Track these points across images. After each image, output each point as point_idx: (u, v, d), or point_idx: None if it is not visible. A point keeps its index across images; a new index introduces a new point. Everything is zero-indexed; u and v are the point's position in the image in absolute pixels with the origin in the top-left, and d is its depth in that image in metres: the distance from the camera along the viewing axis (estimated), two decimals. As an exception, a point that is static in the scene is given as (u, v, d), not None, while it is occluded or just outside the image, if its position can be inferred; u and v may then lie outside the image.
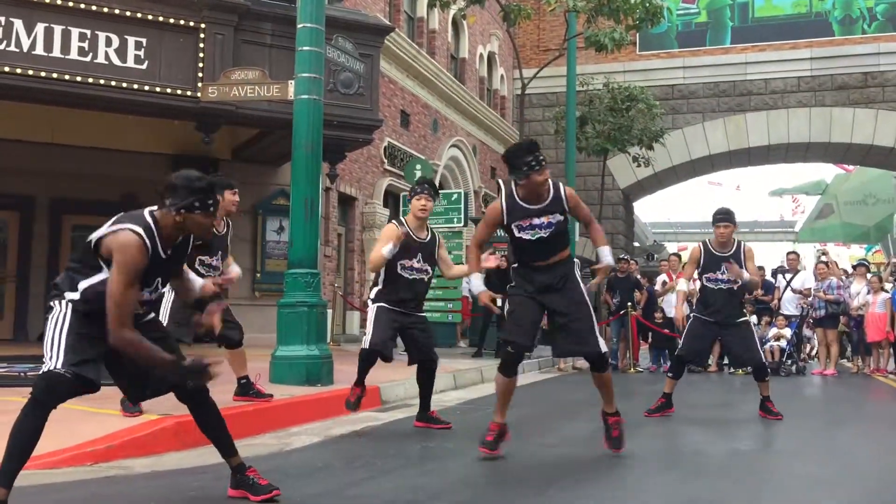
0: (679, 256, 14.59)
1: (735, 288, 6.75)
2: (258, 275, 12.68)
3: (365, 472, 4.36)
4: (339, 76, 10.05)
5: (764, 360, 6.95)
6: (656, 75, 25.44)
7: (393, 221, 5.76)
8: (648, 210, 43.14)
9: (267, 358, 7.43)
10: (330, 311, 10.39)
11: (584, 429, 6.15)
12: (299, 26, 7.56)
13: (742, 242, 6.95)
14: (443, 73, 20.47)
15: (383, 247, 5.49)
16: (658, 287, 13.34)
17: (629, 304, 12.59)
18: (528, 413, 6.69)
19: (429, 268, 5.78)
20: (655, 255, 33.79)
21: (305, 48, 7.52)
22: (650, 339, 13.59)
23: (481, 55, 24.41)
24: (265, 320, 11.48)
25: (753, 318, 11.23)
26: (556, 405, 8.05)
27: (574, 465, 4.74)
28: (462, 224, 11.86)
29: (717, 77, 25.37)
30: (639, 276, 13.82)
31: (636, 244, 33.00)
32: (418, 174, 12.80)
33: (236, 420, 5.24)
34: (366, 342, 5.59)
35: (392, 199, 17.62)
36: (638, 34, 21.07)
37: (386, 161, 17.69)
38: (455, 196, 12.08)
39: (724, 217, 6.77)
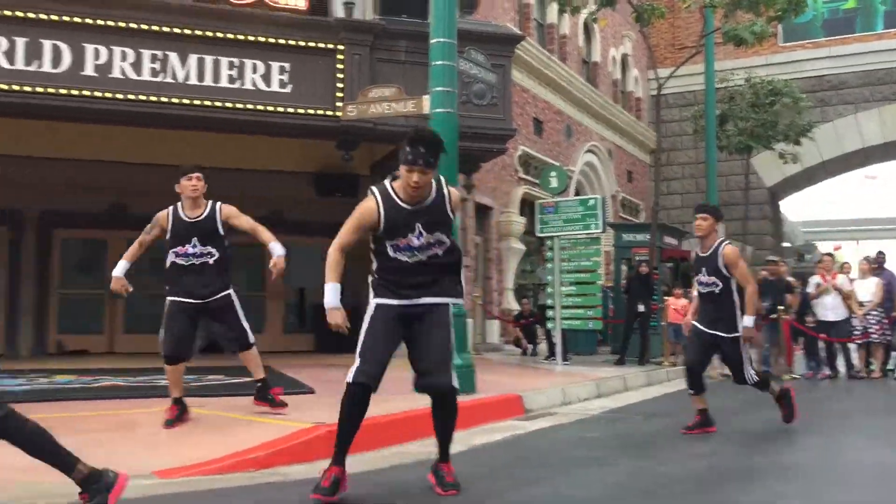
0: (832, 256, 13.77)
1: (717, 291, 6.02)
2: (400, 286, 12.95)
3: (509, 482, 4.37)
4: (472, 88, 10.17)
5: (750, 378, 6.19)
6: (801, 67, 24.22)
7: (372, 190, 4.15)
8: (797, 208, 40.74)
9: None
10: (470, 321, 10.47)
11: (735, 438, 5.92)
12: (432, 42, 7.71)
13: (722, 243, 6.07)
14: (575, 78, 20.29)
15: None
16: (811, 289, 12.66)
17: (780, 307, 12.01)
18: (676, 422, 6.50)
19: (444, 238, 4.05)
20: (807, 256, 32.09)
21: (439, 62, 7.65)
22: (804, 344, 12.90)
23: (614, 57, 24.03)
24: (407, 331, 11.73)
25: None
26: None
27: (725, 474, 4.57)
28: (600, 230, 11.70)
29: (869, 65, 23.87)
30: (790, 279, 13.16)
31: (786, 244, 31.46)
32: (553, 182, 12.70)
33: (383, 428, 5.39)
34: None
35: (528, 208, 17.60)
36: (780, 25, 20.15)
37: (520, 169, 17.69)
38: (592, 202, 11.91)
39: (701, 208, 6.25)
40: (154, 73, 9.28)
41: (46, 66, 8.85)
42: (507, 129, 11.05)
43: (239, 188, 13.01)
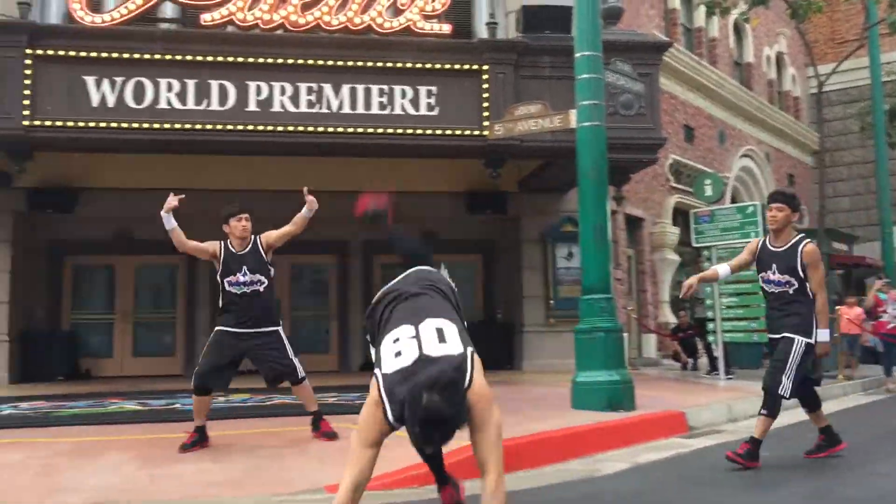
0: None
1: (791, 291, 5.23)
2: (551, 302, 12.89)
3: (681, 501, 4.24)
4: (619, 98, 10.02)
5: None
6: (979, 52, 22.28)
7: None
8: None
9: (566, 384, 7.51)
10: (625, 335, 10.27)
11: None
12: (577, 55, 7.68)
13: (803, 240, 5.34)
14: (726, 81, 19.57)
15: None
16: None
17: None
18: (855, 439, 6.10)
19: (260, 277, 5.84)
20: None
21: (584, 76, 7.61)
22: None
23: (768, 57, 22.99)
24: (561, 346, 11.65)
25: None
26: (887, 429, 7.25)
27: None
28: (760, 238, 11.20)
29: None
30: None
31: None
32: (708, 190, 12.29)
33: (543, 445, 5.37)
34: None
35: (682, 218, 17.09)
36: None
37: (672, 178, 17.22)
38: (750, 209, 11.43)
39: (775, 197, 5.47)
40: (310, 104, 9.75)
41: (214, 105, 9.48)
42: (657, 138, 10.80)
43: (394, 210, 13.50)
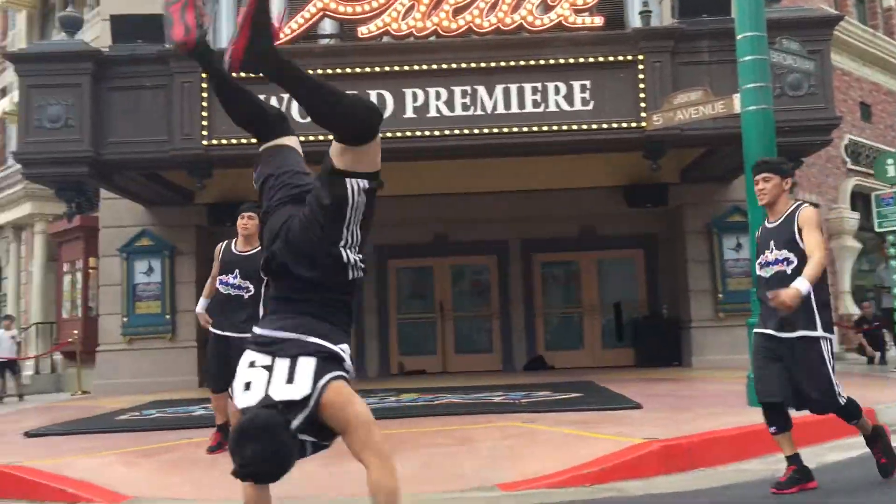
0: None
1: (789, 271, 4.26)
2: (720, 295, 12.39)
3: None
4: (786, 79, 9.50)
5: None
6: None
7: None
8: None
9: (738, 380, 7.21)
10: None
11: None
12: (739, 37, 7.33)
13: (801, 206, 4.45)
14: (906, 51, 18.12)
15: None
16: None
17: None
18: None
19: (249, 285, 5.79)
20: None
21: (748, 58, 7.25)
22: None
23: (955, 21, 21.06)
24: (732, 341, 11.18)
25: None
26: None
27: None
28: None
29: None
30: None
31: None
32: (891, 170, 11.41)
33: (718, 444, 5.18)
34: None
35: (861, 202, 15.95)
36: None
37: (849, 160, 16.14)
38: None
39: (760, 167, 4.60)
40: (465, 107, 9.88)
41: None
42: (830, 118, 10.14)
43: (547, 209, 13.45)
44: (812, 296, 4.16)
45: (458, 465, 4.88)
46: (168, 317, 12.28)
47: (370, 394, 8.81)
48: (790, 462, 4.30)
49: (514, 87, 9.89)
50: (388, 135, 9.74)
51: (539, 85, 9.91)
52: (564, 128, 9.83)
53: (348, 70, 9.84)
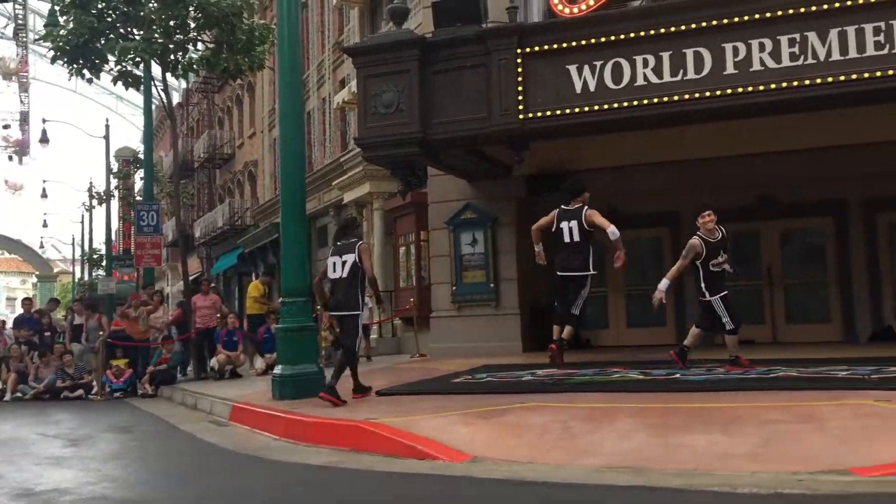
0: None
1: None
2: None
3: None
4: None
5: None
6: None
7: None
8: None
9: None
10: None
11: None
12: None
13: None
14: None
15: None
16: None
17: None
18: None
19: None
20: None
21: None
22: None
23: None
24: None
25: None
26: None
27: None
28: None
29: None
30: None
31: None
32: None
33: None
34: None
35: None
36: None
37: None
38: None
39: None
40: (793, 57, 9.08)
41: (690, 74, 9.38)
42: None
43: (882, 165, 11.88)
44: None
45: (803, 444, 4.56)
46: (492, 285, 12.87)
47: (699, 364, 8.58)
48: None
49: (851, 30, 8.89)
50: (708, 94, 9.28)
51: (882, 24, 8.81)
52: (912, 70, 8.64)
53: (662, 30, 9.49)
